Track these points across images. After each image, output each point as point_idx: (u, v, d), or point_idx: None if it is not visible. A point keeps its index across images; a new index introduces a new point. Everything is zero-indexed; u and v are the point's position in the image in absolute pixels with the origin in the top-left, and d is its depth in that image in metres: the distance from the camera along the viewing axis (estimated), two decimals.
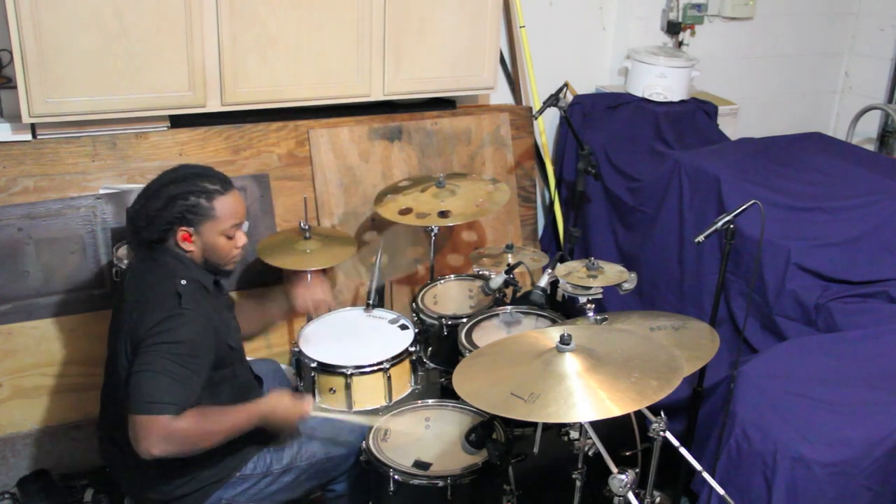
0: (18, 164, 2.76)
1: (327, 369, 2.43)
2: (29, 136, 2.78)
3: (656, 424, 1.87)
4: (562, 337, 1.78)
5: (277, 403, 2.06)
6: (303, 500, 2.32)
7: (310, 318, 2.73)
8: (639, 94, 3.79)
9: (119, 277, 2.46)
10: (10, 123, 2.76)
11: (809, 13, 4.37)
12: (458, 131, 3.51)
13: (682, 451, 1.94)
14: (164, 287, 1.96)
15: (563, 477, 2.03)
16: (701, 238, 2.32)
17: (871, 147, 4.47)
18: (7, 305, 2.75)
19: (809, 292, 2.76)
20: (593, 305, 2.38)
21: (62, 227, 2.80)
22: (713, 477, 2.08)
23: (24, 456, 2.85)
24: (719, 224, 2.33)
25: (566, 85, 3.49)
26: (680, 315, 2.40)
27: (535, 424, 2.11)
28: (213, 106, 2.93)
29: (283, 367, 2.72)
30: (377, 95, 3.21)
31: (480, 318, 2.65)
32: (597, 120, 3.77)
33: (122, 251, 2.69)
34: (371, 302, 2.72)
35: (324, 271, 3.23)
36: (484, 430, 2.09)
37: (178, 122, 3.01)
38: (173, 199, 1.98)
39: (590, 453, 1.93)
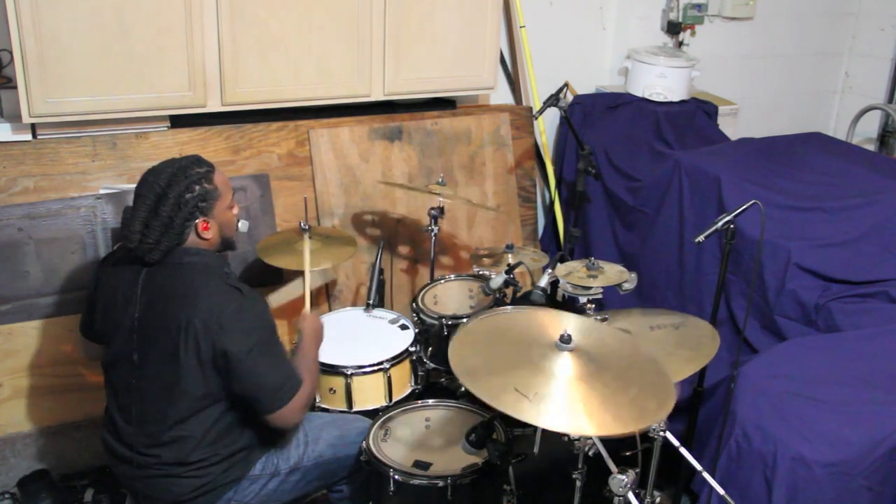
0: (18, 164, 2.76)
1: (327, 369, 2.44)
2: (29, 136, 2.78)
3: (656, 424, 1.87)
4: (562, 336, 1.76)
5: (314, 324, 2.28)
6: (304, 500, 2.32)
7: None
8: (639, 94, 3.80)
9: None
10: (10, 123, 2.76)
11: (809, 13, 4.37)
12: (458, 131, 3.51)
13: (683, 451, 1.94)
14: (216, 286, 1.97)
15: (563, 477, 2.03)
16: (701, 238, 2.32)
17: (871, 147, 4.47)
18: (7, 305, 2.75)
19: (809, 292, 2.76)
20: (593, 305, 2.38)
21: (62, 227, 2.80)
22: (713, 477, 2.08)
23: (24, 456, 2.85)
24: (719, 224, 2.33)
25: (566, 85, 3.49)
26: (680, 313, 2.40)
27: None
28: (214, 106, 2.93)
29: None
30: (377, 95, 3.21)
31: (480, 318, 2.65)
32: (597, 120, 3.77)
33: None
34: (371, 302, 2.72)
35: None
36: (484, 430, 2.09)
37: (178, 122, 3.00)
38: (180, 196, 1.97)
39: (590, 453, 1.92)
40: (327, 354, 2.47)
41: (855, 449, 2.15)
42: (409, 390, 2.57)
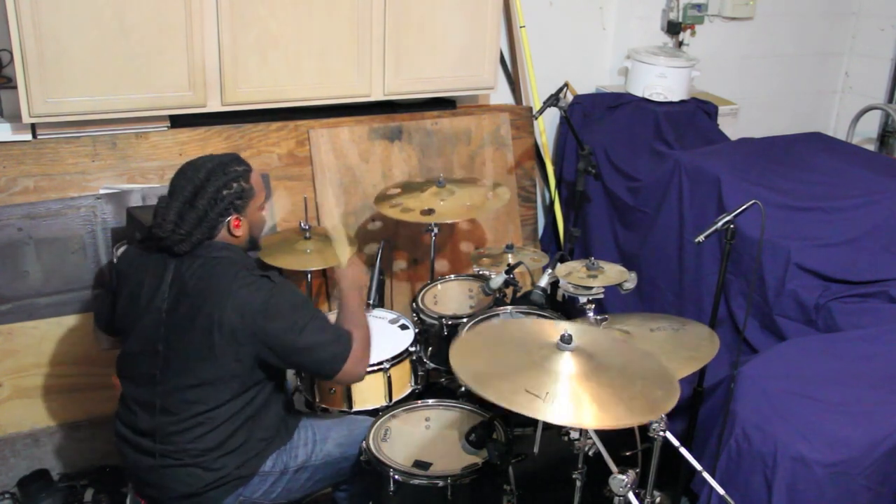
0: (18, 164, 2.76)
1: None
2: (29, 136, 2.78)
3: (656, 424, 1.87)
4: (563, 336, 1.77)
5: (350, 274, 2.25)
6: (309, 499, 2.33)
7: None
8: (639, 94, 3.79)
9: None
10: (10, 123, 2.76)
11: (809, 13, 4.37)
12: (458, 131, 3.51)
13: (683, 451, 1.94)
14: (244, 277, 1.99)
15: (563, 477, 2.03)
16: (701, 238, 2.32)
17: (871, 147, 4.47)
18: (7, 305, 2.75)
19: (809, 292, 2.76)
20: (593, 305, 2.38)
21: (62, 227, 2.80)
22: (713, 477, 2.08)
23: (24, 456, 2.85)
24: (719, 224, 2.33)
25: (566, 85, 3.49)
26: (679, 318, 2.40)
27: (535, 424, 2.11)
28: (214, 106, 2.93)
29: None
30: (377, 95, 3.21)
31: (480, 318, 2.65)
32: (597, 120, 3.77)
33: (122, 251, 2.68)
34: (371, 302, 2.72)
35: (322, 273, 3.24)
36: (484, 430, 2.09)
37: (178, 122, 3.01)
38: (218, 191, 1.99)
39: (590, 453, 1.92)
40: None
41: (855, 449, 2.15)
42: (409, 390, 2.57)
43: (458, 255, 3.55)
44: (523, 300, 2.66)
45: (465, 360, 1.79)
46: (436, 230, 2.98)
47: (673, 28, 3.99)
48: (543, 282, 2.50)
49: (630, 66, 3.86)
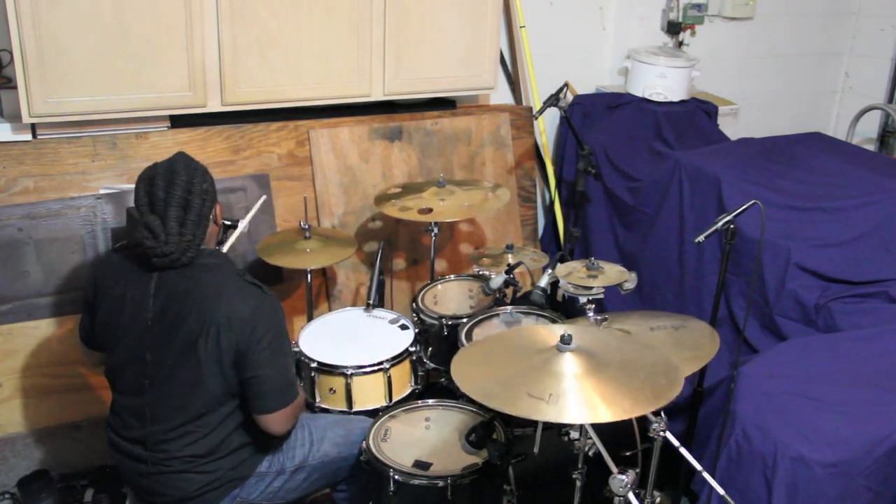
0: (18, 164, 2.76)
1: (327, 369, 2.44)
2: (29, 136, 2.78)
3: (656, 424, 1.87)
4: (562, 337, 1.78)
5: None
6: (307, 499, 2.33)
7: (310, 318, 2.73)
8: (639, 94, 3.80)
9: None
10: (10, 123, 2.76)
11: (809, 13, 4.37)
12: (458, 131, 3.51)
13: (683, 451, 1.94)
14: (235, 283, 1.99)
15: (563, 477, 2.03)
16: (701, 238, 2.32)
17: (871, 147, 4.47)
18: (7, 305, 2.75)
19: (809, 292, 2.76)
20: (593, 305, 2.38)
21: (62, 227, 2.80)
22: (713, 477, 2.08)
23: (24, 456, 2.85)
24: (719, 224, 2.33)
25: (566, 85, 3.49)
26: (680, 315, 2.40)
27: (535, 424, 2.11)
28: (214, 106, 2.93)
29: None
30: (377, 95, 3.21)
31: (480, 318, 2.65)
32: (597, 120, 3.77)
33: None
34: (371, 302, 2.72)
35: (323, 271, 3.24)
36: (484, 430, 2.09)
37: (178, 122, 3.01)
38: (202, 186, 2.01)
39: (590, 453, 1.92)
40: (327, 354, 2.47)
41: (855, 449, 2.15)
42: (409, 390, 2.57)
43: (457, 256, 3.55)
44: (523, 300, 2.65)
45: (467, 372, 1.81)
46: (436, 230, 2.98)
47: (673, 28, 3.99)
48: (543, 282, 2.50)
49: (630, 66, 3.86)
